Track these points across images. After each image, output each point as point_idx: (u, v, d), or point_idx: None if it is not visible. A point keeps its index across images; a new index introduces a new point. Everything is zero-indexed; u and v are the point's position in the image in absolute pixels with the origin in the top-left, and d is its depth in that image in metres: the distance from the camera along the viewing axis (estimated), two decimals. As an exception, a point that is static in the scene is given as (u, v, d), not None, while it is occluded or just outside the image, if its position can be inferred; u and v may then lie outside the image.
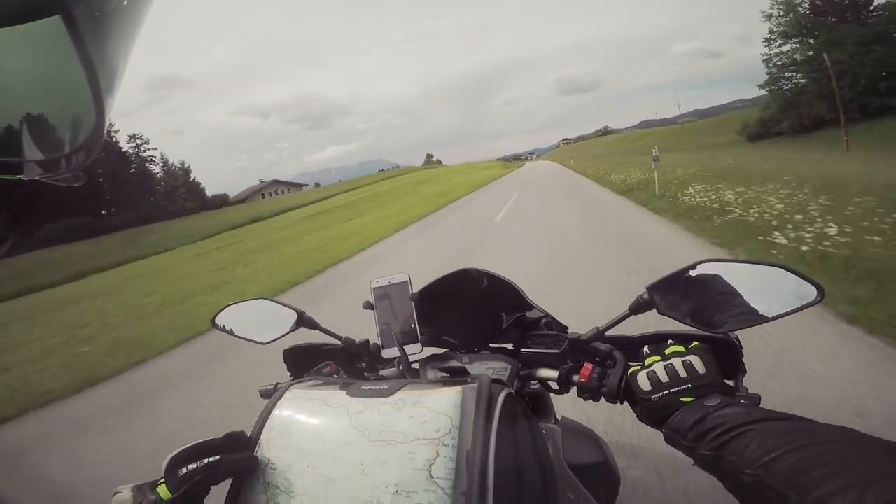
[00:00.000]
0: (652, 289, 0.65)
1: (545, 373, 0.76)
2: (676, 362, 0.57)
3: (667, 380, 0.56)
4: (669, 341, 0.62)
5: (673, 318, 0.64)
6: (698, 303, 0.62)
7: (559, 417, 0.97)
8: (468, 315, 0.86)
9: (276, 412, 0.54)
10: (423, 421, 0.46)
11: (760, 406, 0.54)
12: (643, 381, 0.58)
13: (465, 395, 0.47)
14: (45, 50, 0.26)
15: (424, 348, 0.76)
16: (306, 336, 0.87)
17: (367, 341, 0.86)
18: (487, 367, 0.76)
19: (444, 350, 0.86)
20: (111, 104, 0.29)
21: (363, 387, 0.53)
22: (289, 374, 0.90)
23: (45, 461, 2.85)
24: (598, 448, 0.87)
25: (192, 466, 0.46)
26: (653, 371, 0.58)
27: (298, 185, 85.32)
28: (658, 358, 0.60)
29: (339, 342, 0.88)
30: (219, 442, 0.50)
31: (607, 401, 0.65)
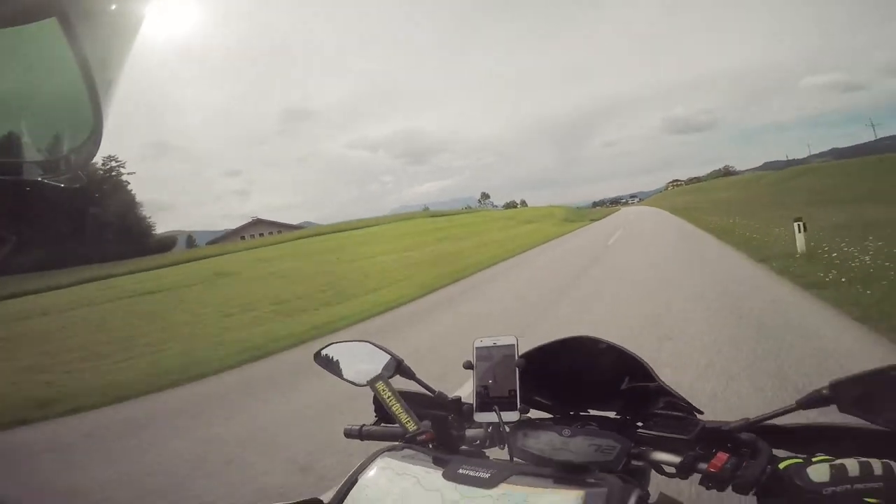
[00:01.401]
0: (836, 384, 0.55)
1: (663, 457, 0.67)
2: (874, 461, 0.50)
3: (856, 474, 0.49)
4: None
5: (859, 417, 0.55)
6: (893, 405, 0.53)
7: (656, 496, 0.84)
8: (573, 380, 0.80)
9: (363, 481, 0.50)
10: None
11: None
12: (818, 473, 0.51)
13: (588, 503, 0.41)
14: (43, 52, 0.26)
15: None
16: (402, 383, 0.85)
17: (460, 399, 0.83)
18: (591, 444, 0.69)
19: (539, 417, 0.80)
20: (109, 106, 0.30)
21: (461, 470, 0.49)
22: (374, 415, 0.90)
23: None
24: None
25: None
26: (841, 464, 0.51)
27: (290, 226, 63.16)
28: (829, 458, 0.53)
29: (432, 395, 0.85)
30: None
31: (735, 491, 0.58)
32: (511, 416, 0.70)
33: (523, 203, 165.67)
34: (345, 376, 0.89)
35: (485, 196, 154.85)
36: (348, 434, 0.80)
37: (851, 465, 0.50)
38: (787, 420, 0.61)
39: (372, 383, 0.78)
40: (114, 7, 0.28)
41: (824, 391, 0.56)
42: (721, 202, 35.86)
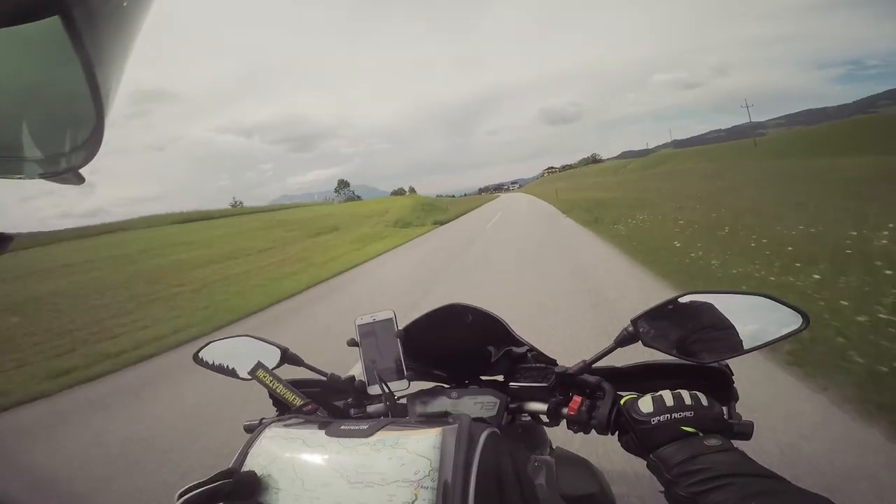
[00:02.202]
0: (637, 321, 0.66)
1: (534, 406, 0.76)
2: (683, 392, 0.58)
3: (671, 404, 0.57)
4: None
5: (658, 350, 0.65)
6: (684, 334, 0.63)
7: (553, 447, 0.98)
8: (456, 349, 0.85)
9: (253, 450, 0.53)
10: (401, 463, 0.46)
11: (752, 431, 0.58)
12: (645, 404, 0.59)
13: (445, 437, 0.48)
14: (45, 50, 0.26)
15: (412, 383, 0.77)
16: (291, 372, 0.83)
17: (353, 378, 0.85)
18: (476, 402, 0.76)
19: (433, 385, 0.85)
20: (111, 105, 0.30)
21: (343, 426, 0.53)
22: (275, 410, 0.88)
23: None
24: (593, 477, 0.90)
25: None
26: (660, 396, 0.59)
27: None
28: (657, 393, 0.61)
29: (324, 378, 0.87)
30: (229, 487, 0.48)
31: (597, 432, 0.66)
32: (401, 384, 0.75)
33: (412, 190, 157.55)
34: (228, 373, 0.88)
35: (343, 184, 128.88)
36: (248, 429, 0.79)
37: (667, 396, 0.58)
38: (615, 360, 0.70)
39: (253, 373, 0.76)
40: (117, 5, 0.27)
41: (629, 329, 0.66)
42: (595, 188, 34.33)
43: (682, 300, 0.63)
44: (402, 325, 0.79)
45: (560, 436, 0.89)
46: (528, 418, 0.81)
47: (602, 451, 1.82)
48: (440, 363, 0.88)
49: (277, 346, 0.86)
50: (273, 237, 19.44)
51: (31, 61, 0.27)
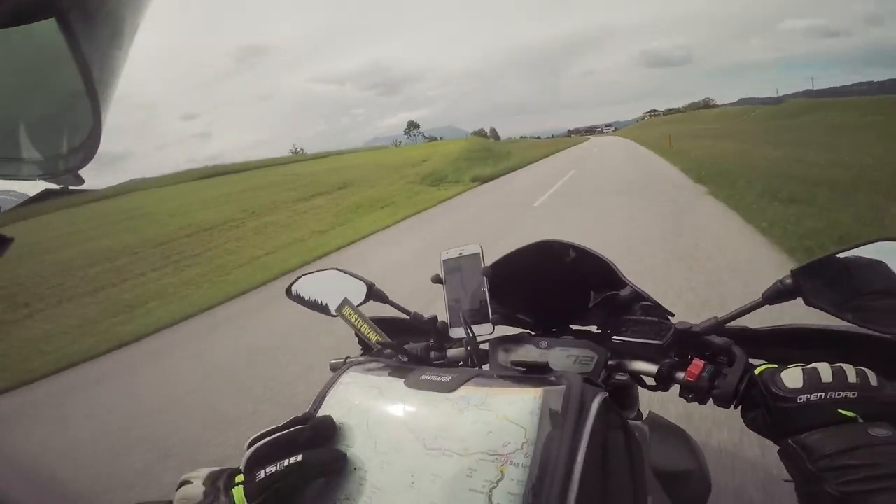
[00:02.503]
0: (798, 273, 0.54)
1: (641, 366, 0.65)
2: (847, 367, 0.47)
3: (829, 380, 0.46)
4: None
5: (825, 311, 0.52)
6: (861, 295, 0.51)
7: (645, 414, 0.85)
8: (548, 292, 0.77)
9: (330, 397, 0.50)
10: (488, 430, 0.39)
11: None
12: (791, 378, 0.48)
13: (547, 401, 0.40)
14: (41, 52, 0.27)
15: (496, 328, 0.70)
16: (376, 309, 0.84)
17: (436, 318, 0.80)
18: (569, 355, 0.68)
19: (519, 331, 0.79)
20: (108, 106, 0.30)
21: (423, 376, 0.48)
22: (360, 349, 0.87)
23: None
24: (691, 453, 0.81)
25: (272, 470, 0.41)
26: (813, 369, 0.48)
27: None
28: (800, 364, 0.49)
29: (407, 317, 0.85)
30: (306, 434, 0.44)
31: (716, 403, 0.56)
32: (484, 328, 0.67)
33: (493, 132, 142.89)
34: (317, 308, 0.87)
35: (412, 126, 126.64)
36: (334, 368, 0.78)
37: (824, 370, 0.47)
38: (754, 321, 0.59)
39: (339, 310, 0.75)
40: (114, 6, 0.27)
41: (787, 281, 0.54)
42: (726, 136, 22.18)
43: (858, 250, 0.50)
44: (489, 260, 0.71)
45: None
46: (625, 377, 0.70)
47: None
48: (527, 306, 0.81)
49: (364, 281, 0.85)
50: (257, 201, 14.69)
51: (27, 63, 0.27)
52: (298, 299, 0.89)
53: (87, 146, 0.30)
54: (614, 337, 0.69)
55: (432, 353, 0.79)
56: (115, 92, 0.30)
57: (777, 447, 0.48)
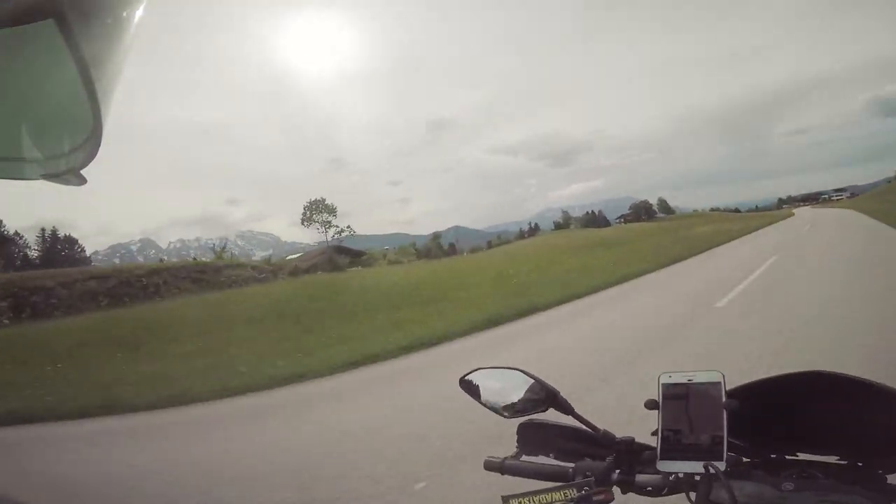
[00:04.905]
0: None
1: None
2: None
3: None
4: None
5: None
6: None
7: None
8: (785, 418, 0.70)
9: None
10: None
11: None
12: None
13: None
14: (41, 53, 0.27)
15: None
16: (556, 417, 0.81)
17: (633, 440, 0.76)
18: (824, 501, 0.59)
19: (745, 460, 0.72)
20: (109, 106, 0.30)
21: None
22: (516, 446, 0.86)
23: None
24: None
25: None
26: None
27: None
28: None
29: (594, 433, 0.78)
30: None
31: None
32: (717, 466, 0.62)
33: (662, 202, 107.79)
34: (490, 405, 0.85)
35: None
36: (488, 467, 0.80)
37: None
38: None
39: (517, 416, 0.75)
40: (112, 8, 0.28)
41: None
42: None
43: None
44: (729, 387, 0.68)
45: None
46: None
47: None
48: (754, 431, 0.73)
49: (548, 389, 0.79)
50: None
51: (27, 64, 0.28)
52: (471, 390, 0.88)
53: (89, 146, 0.31)
54: (891, 481, 0.61)
55: (615, 475, 0.73)
56: (116, 92, 0.30)
57: None
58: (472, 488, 2.47)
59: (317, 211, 55.22)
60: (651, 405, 0.68)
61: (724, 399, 0.63)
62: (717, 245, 19.11)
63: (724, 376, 0.64)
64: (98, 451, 4.37)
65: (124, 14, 0.29)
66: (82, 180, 0.34)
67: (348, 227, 57.82)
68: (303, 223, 55.28)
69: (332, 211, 55.62)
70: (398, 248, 66.30)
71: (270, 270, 24.32)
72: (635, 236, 32.28)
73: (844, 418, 0.65)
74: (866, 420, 0.63)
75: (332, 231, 56.12)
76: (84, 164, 0.32)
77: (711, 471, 0.60)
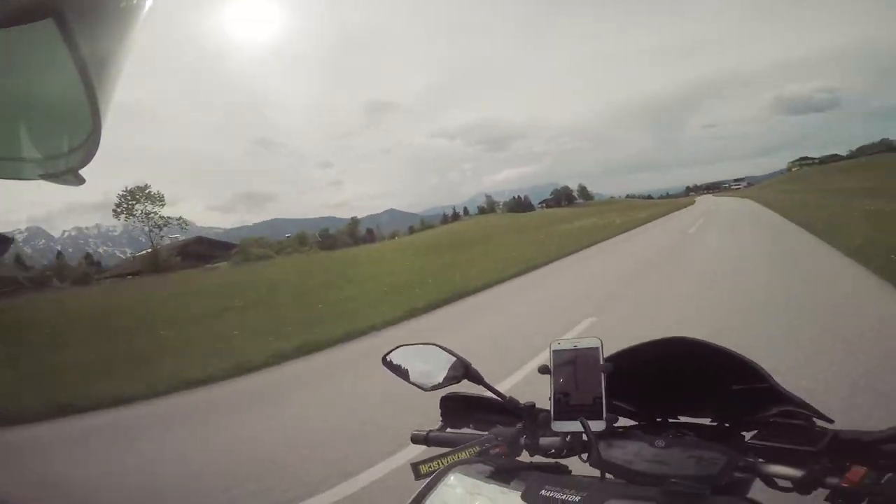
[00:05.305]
0: None
1: (779, 470, 0.60)
2: None
3: None
4: None
5: None
6: None
7: None
8: (666, 387, 0.75)
9: (432, 499, 0.47)
10: None
11: None
12: None
13: None
14: (40, 52, 0.27)
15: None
16: (468, 387, 0.86)
17: (533, 406, 0.79)
18: (690, 455, 0.63)
19: (622, 425, 0.76)
20: (108, 106, 0.30)
21: (543, 491, 0.46)
22: (440, 419, 0.91)
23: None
24: None
25: None
26: None
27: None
28: None
29: (501, 400, 0.83)
30: None
31: None
32: (597, 425, 0.67)
33: (582, 189, 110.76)
34: (411, 381, 0.89)
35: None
36: (415, 440, 0.85)
37: None
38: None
39: (436, 390, 0.77)
40: (111, 7, 0.28)
41: None
42: None
43: None
44: (607, 353, 0.72)
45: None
46: (747, 475, 0.66)
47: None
48: (632, 396, 0.79)
49: (462, 361, 0.85)
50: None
51: (25, 63, 0.27)
52: (393, 368, 0.91)
53: (88, 146, 0.30)
54: (750, 441, 0.67)
55: (522, 439, 0.77)
56: (115, 92, 0.30)
57: None
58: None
59: (136, 200, 43.49)
60: (543, 370, 0.72)
61: (601, 363, 0.68)
62: (573, 252, 14.43)
63: (601, 342, 0.69)
64: None
65: (124, 14, 0.28)
66: (81, 180, 0.33)
67: (180, 218, 47.38)
68: (115, 213, 43.37)
69: (156, 200, 44.69)
70: (296, 235, 62.41)
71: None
72: (500, 233, 29.29)
73: (710, 383, 0.71)
74: (726, 385, 0.69)
75: (158, 223, 44.14)
76: (83, 164, 0.32)
77: (592, 429, 0.64)
